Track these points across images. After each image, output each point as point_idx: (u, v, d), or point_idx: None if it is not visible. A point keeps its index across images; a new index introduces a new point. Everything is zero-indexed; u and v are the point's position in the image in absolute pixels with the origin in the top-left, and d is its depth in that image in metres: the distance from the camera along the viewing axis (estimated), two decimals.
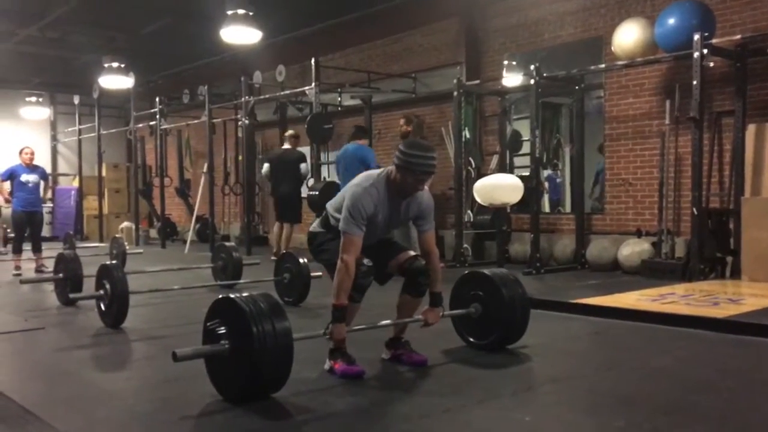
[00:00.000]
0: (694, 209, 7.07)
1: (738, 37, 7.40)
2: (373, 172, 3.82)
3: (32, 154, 9.43)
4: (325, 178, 11.17)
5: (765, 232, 6.74)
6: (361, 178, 3.77)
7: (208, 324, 3.35)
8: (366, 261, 3.64)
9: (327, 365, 3.76)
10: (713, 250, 7.21)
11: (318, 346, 3.85)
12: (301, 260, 6.20)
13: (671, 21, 7.39)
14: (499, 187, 7.86)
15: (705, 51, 6.89)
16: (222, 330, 3.25)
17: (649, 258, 7.73)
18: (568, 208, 9.73)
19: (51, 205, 10.72)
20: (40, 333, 5.19)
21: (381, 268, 3.84)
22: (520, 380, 3.77)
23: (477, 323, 4.23)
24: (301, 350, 4.51)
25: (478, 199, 8.08)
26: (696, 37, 6.89)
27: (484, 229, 9.39)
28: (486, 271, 4.32)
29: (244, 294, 3.30)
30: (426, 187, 3.80)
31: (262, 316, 3.15)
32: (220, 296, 3.38)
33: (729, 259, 7.26)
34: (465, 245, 9.14)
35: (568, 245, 8.89)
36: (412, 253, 3.92)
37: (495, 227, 8.63)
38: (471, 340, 4.31)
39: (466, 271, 4.45)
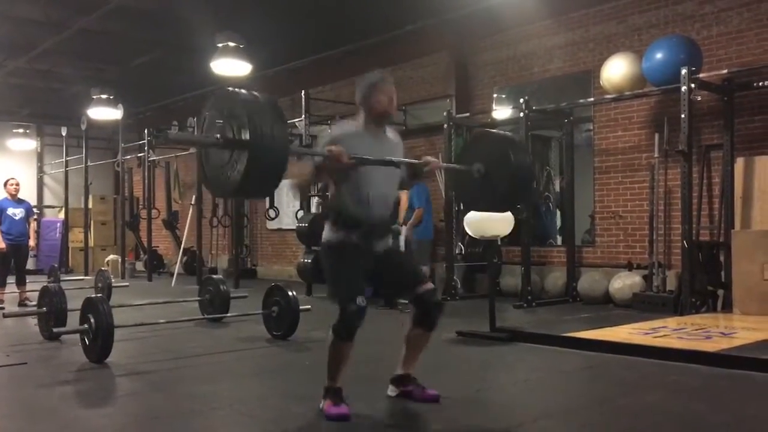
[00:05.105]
0: (685, 242, 7.07)
1: (725, 71, 7.47)
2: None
3: (18, 185, 9.37)
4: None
5: (755, 265, 6.74)
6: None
7: (207, 114, 3.21)
8: (360, 299, 3.48)
9: (321, 404, 3.62)
10: (704, 283, 7.19)
11: (317, 381, 3.73)
12: (290, 293, 6.12)
13: (659, 55, 7.46)
14: (490, 220, 7.82)
15: (692, 85, 6.96)
16: (219, 122, 3.09)
17: (641, 291, 7.71)
18: (558, 240, 9.72)
19: (34, 244, 10.56)
20: (22, 368, 5.07)
21: (400, 292, 3.76)
22: (512, 415, 3.70)
23: (478, 184, 4.04)
24: (296, 384, 4.44)
25: (469, 232, 8.04)
26: (683, 71, 6.96)
27: (475, 262, 9.35)
28: (492, 131, 4.29)
29: (243, 90, 3.15)
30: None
31: (260, 113, 3.01)
32: (217, 89, 3.25)
33: (720, 292, 7.24)
34: (455, 278, 9.09)
35: (559, 278, 8.85)
36: (432, 285, 3.81)
37: (486, 260, 8.58)
38: (469, 202, 4.34)
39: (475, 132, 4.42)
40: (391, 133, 3.85)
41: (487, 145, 4.17)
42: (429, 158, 3.86)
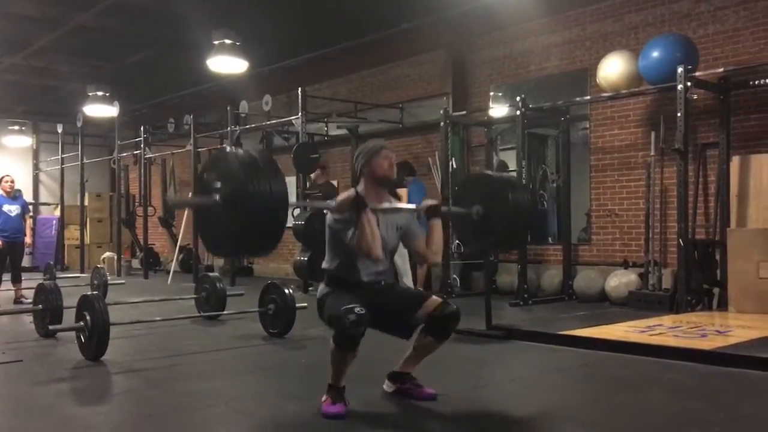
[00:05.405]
0: (681, 240, 7.08)
1: (721, 70, 7.49)
2: None
3: (13, 182, 9.34)
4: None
5: (751, 263, 6.75)
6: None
7: (205, 175, 3.25)
8: (358, 309, 3.39)
9: (323, 398, 3.60)
10: (700, 282, 7.20)
11: (313, 379, 3.73)
12: (286, 291, 6.12)
13: (655, 54, 7.46)
14: None
15: (688, 83, 6.97)
16: (217, 185, 3.10)
17: (637, 289, 7.72)
18: (554, 238, 9.72)
19: (30, 241, 10.55)
20: (18, 366, 5.06)
21: (406, 319, 3.71)
22: (508, 413, 3.70)
23: (476, 226, 4.05)
24: (292, 382, 4.44)
25: None
26: (679, 69, 6.97)
27: (472, 260, 9.36)
28: (490, 173, 4.27)
29: (240, 150, 3.20)
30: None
31: (258, 173, 3.02)
32: (217, 149, 3.32)
33: (716, 290, 7.25)
34: (453, 276, 9.10)
35: (555, 276, 8.87)
36: (439, 299, 3.74)
37: (482, 258, 8.60)
38: (468, 243, 4.28)
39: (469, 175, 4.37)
40: (393, 200, 3.92)
41: (485, 187, 4.19)
42: (429, 202, 3.91)
